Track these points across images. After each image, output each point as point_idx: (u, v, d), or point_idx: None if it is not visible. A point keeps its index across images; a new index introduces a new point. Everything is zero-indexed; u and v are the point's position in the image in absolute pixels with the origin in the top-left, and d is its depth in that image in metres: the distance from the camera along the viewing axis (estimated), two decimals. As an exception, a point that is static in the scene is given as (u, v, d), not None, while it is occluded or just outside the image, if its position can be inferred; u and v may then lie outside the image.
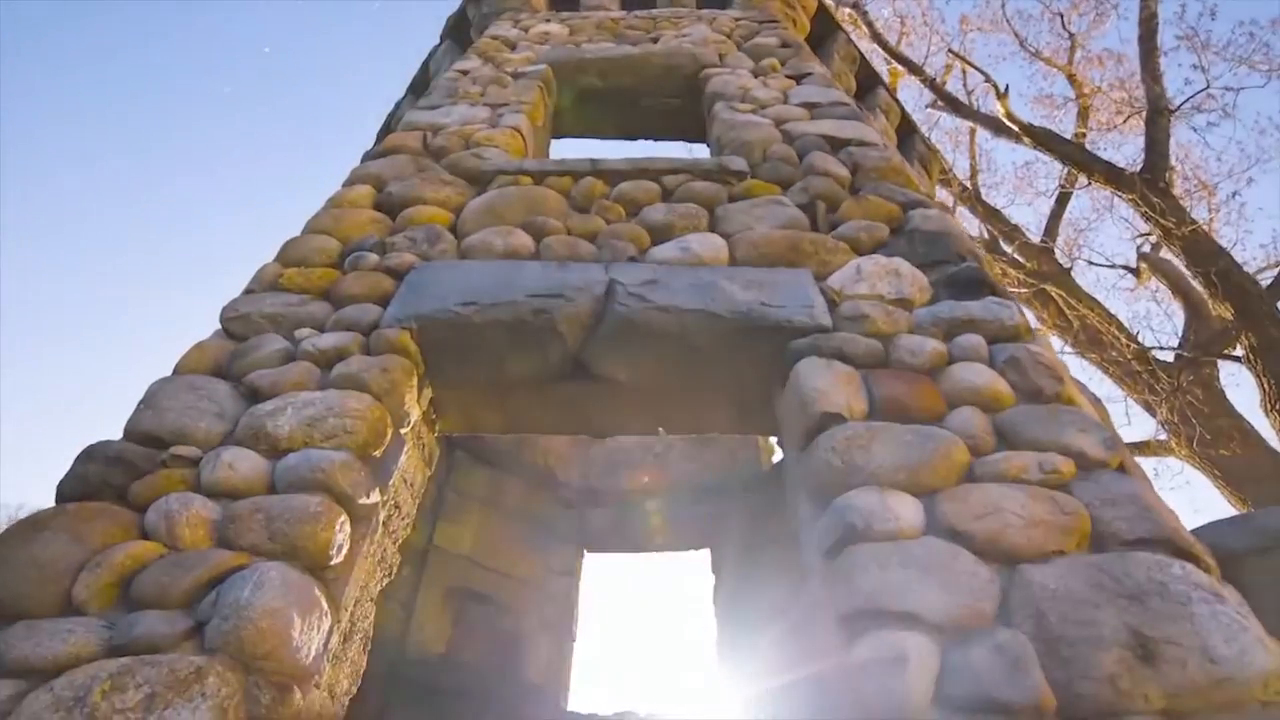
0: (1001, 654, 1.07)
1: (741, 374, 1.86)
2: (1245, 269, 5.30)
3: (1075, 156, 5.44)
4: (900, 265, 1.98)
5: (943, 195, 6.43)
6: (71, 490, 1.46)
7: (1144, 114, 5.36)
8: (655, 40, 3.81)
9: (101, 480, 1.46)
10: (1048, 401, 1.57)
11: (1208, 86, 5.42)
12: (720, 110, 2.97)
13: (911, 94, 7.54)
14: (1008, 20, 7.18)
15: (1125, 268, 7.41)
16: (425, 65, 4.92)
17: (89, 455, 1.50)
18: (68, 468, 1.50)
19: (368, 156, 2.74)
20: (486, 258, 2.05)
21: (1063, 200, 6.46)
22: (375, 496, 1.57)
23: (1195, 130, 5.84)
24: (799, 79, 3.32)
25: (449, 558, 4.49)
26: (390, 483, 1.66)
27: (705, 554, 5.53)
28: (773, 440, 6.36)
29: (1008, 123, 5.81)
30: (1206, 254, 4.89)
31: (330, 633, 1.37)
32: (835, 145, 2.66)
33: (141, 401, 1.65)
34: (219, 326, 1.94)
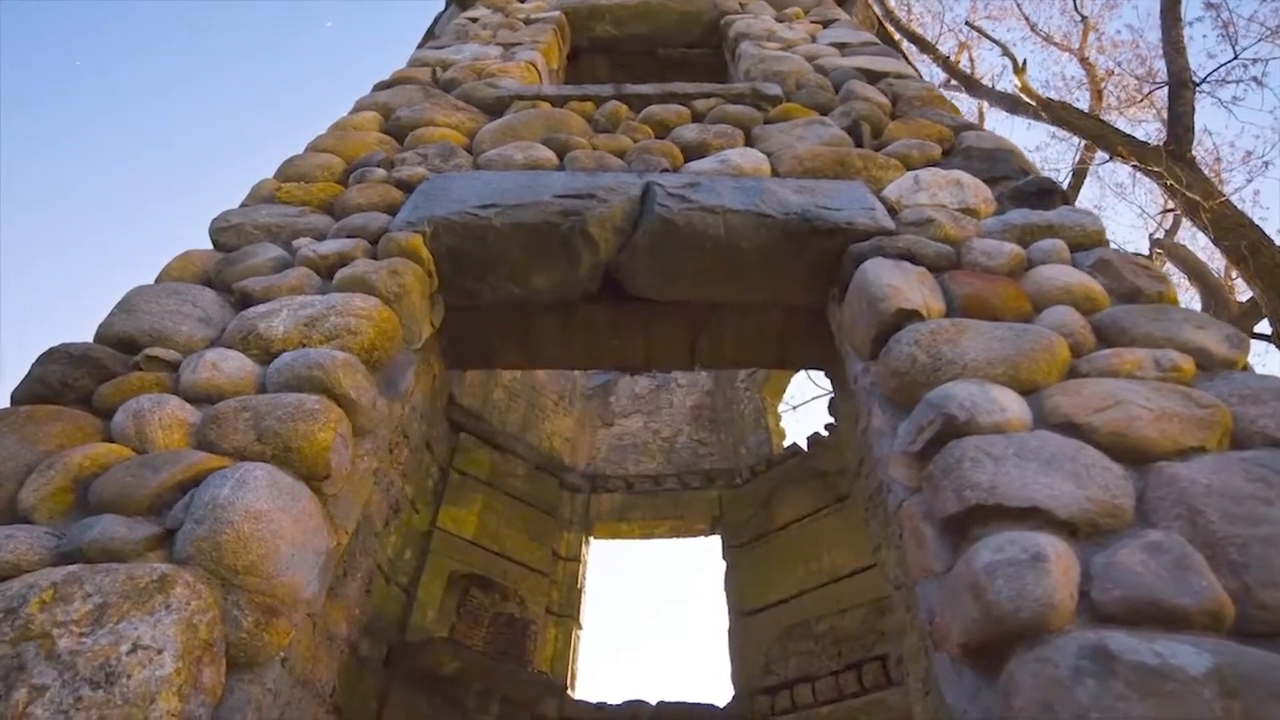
0: (1159, 554, 0.87)
1: (792, 285, 1.66)
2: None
3: (1095, 131, 5.32)
4: (961, 176, 1.80)
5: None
6: (27, 393, 1.24)
7: (1165, 90, 5.26)
8: (672, -6, 3.67)
9: (62, 382, 1.25)
10: (1150, 301, 1.38)
11: (1235, 57, 5.33)
12: (747, 48, 2.81)
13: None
14: (1018, 4, 7.11)
15: (1138, 255, 7.25)
16: (430, 30, 4.79)
17: (49, 356, 1.29)
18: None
19: (375, 88, 2.56)
20: (506, 170, 1.86)
21: (1078, 180, 6.34)
22: (381, 409, 1.36)
23: (1221, 103, 5.74)
24: (825, 24, 3.17)
25: (452, 541, 4.26)
26: (398, 399, 1.45)
27: (715, 540, 5.30)
28: (784, 426, 6.15)
29: (1025, 97, 5.71)
30: (1235, 227, 4.74)
31: (328, 556, 1.16)
32: (872, 77, 2.50)
33: (116, 306, 1.44)
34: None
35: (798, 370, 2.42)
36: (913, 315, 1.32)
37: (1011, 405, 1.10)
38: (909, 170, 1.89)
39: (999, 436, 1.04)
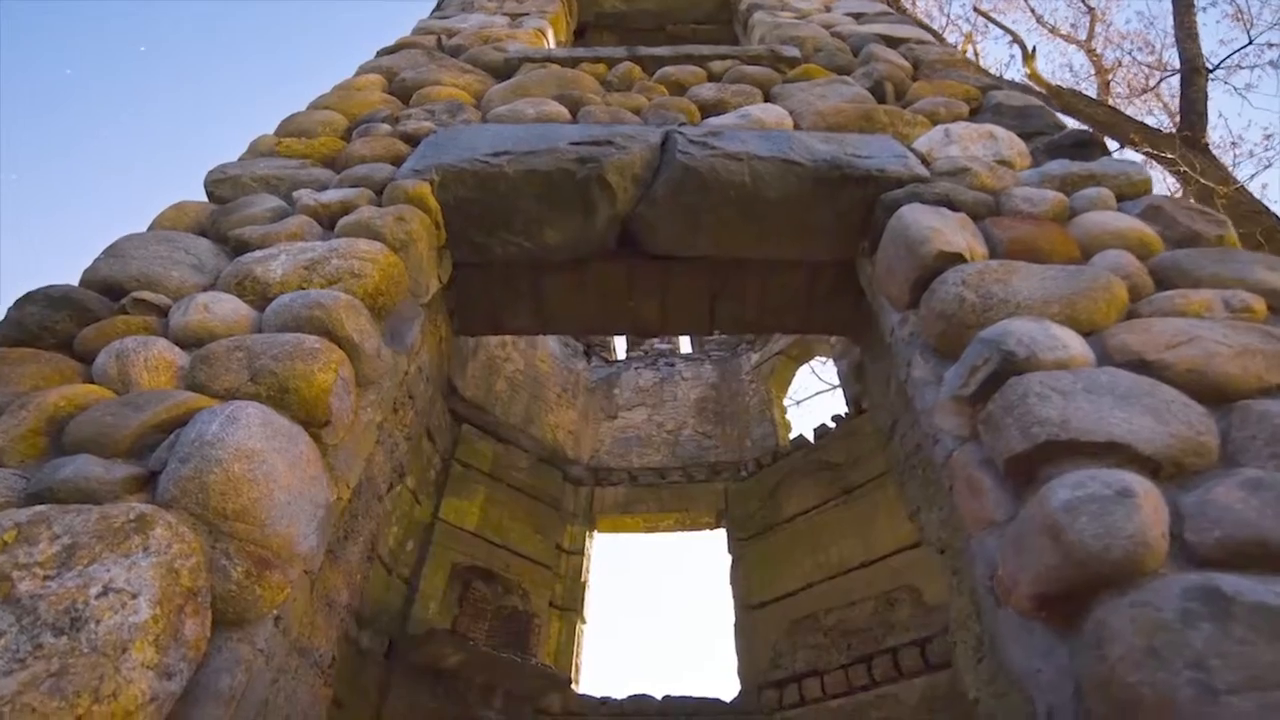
0: (1260, 490, 0.78)
1: (819, 239, 1.57)
2: None
3: (1107, 119, 5.26)
4: (995, 129, 1.72)
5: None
6: (2, 338, 1.15)
7: (1174, 80, 5.20)
8: (681, -29, 3.60)
9: (40, 325, 1.15)
10: (1210, 245, 1.29)
11: (1251, 42, 5.27)
12: (761, 17, 2.74)
13: (927, 71, 7.35)
14: (1024, -4, 7.06)
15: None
16: (437, 8, 4.74)
17: (27, 299, 1.19)
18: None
19: (379, 54, 2.48)
20: (519, 124, 1.77)
21: (1088, 172, 6.26)
22: (386, 358, 1.27)
23: (1235, 90, 5.68)
24: (840, -3, 3.10)
25: (455, 533, 4.15)
26: (404, 353, 1.35)
27: (721, 533, 5.20)
28: (789, 419, 6.05)
29: (1034, 85, 5.65)
30: (1251, 214, 4.66)
31: (328, 511, 1.06)
32: (892, 42, 2.42)
33: (103, 252, 1.35)
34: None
35: (821, 333, 2.32)
36: (955, 259, 1.23)
37: (1073, 343, 1.01)
38: (937, 125, 1.81)
39: (1064, 372, 0.94)
